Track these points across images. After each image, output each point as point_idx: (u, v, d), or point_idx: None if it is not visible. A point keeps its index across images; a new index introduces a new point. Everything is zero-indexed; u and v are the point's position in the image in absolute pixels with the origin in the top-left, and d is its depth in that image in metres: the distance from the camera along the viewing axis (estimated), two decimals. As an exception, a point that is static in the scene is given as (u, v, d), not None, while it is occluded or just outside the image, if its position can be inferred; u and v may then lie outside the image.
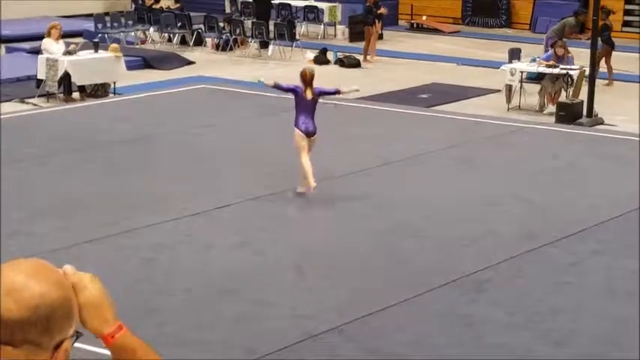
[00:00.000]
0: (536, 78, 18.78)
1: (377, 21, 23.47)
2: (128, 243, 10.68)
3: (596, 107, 17.34)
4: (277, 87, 13.06)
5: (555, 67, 18.42)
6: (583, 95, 17.63)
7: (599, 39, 18.83)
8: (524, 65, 19.06)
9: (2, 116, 16.49)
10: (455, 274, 9.94)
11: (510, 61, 19.56)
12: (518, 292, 9.59)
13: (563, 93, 18.36)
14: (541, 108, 18.39)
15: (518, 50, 20.59)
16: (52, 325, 1.85)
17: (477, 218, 11.72)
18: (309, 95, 12.66)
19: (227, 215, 11.67)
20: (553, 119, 17.35)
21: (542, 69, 18.53)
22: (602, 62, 20.12)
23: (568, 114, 17.25)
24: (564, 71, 18.34)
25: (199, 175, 13.18)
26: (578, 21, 21.72)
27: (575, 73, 18.34)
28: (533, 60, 19.10)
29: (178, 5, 26.54)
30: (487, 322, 8.92)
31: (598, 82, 18.10)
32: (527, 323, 8.90)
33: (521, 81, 18.60)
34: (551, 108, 18.05)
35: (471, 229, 11.31)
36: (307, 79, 12.71)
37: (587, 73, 17.90)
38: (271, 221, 11.52)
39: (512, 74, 18.62)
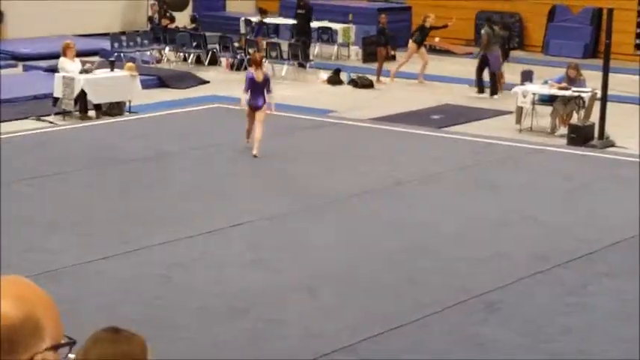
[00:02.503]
0: (548, 100, 18.89)
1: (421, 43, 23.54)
2: (143, 260, 10.79)
3: (608, 129, 17.43)
4: (245, 91, 15.39)
5: (567, 89, 18.53)
6: (594, 117, 17.73)
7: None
8: (536, 87, 19.17)
9: (19, 134, 16.68)
10: (466, 294, 10.02)
11: (522, 83, 19.68)
12: (529, 313, 9.66)
13: (575, 115, 18.46)
14: (553, 130, 18.48)
15: (531, 72, 20.72)
16: (15, 345, 1.80)
17: (489, 239, 11.81)
18: (259, 77, 15.16)
19: (241, 234, 11.78)
20: (565, 141, 17.43)
21: (555, 91, 18.64)
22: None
23: (580, 136, 17.34)
24: (576, 94, 18.44)
25: (214, 194, 13.30)
26: (490, 28, 22.09)
27: (586, 96, 18.44)
28: (545, 82, 19.22)
29: (194, 25, 26.76)
30: (498, 342, 9.00)
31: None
32: (537, 344, 8.98)
33: (533, 103, 18.71)
34: (563, 130, 18.14)
35: (482, 249, 11.40)
36: (257, 60, 15.47)
37: (598, 95, 18.00)
38: (284, 240, 11.63)
39: (524, 96, 18.73)
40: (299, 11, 25.97)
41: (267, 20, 27.39)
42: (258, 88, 15.24)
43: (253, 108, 15.19)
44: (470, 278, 10.51)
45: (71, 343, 1.90)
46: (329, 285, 10.25)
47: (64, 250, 10.97)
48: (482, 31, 22.32)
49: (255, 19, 27.71)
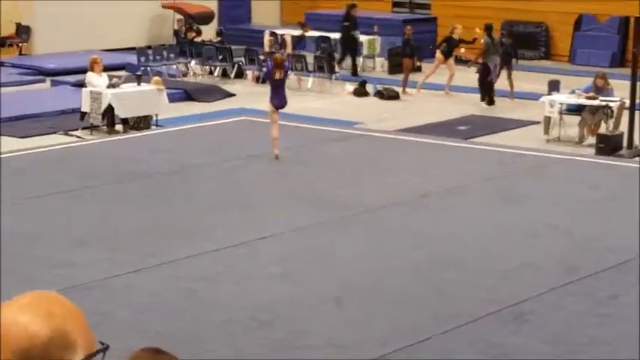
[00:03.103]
0: (576, 110, 18.79)
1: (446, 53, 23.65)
2: (170, 274, 10.80)
3: (637, 139, 17.31)
4: (268, 57, 17.05)
5: (595, 98, 18.42)
6: (623, 127, 17.62)
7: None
8: (563, 97, 19.08)
9: (48, 148, 16.76)
10: (495, 305, 9.96)
11: (549, 93, 19.60)
12: (559, 324, 9.59)
13: (603, 125, 18.34)
14: (581, 140, 18.38)
15: (558, 82, 20.62)
16: None
17: (517, 250, 11.73)
18: (277, 75, 15.61)
19: (267, 246, 11.76)
20: (593, 151, 17.33)
21: (582, 101, 18.54)
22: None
23: (608, 146, 17.23)
24: (604, 103, 18.33)
25: (240, 207, 13.29)
26: (489, 37, 22.21)
27: (615, 105, 18.33)
28: (573, 92, 19.12)
29: (220, 38, 26.83)
30: (528, 353, 8.93)
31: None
32: (568, 355, 8.91)
33: (560, 113, 18.62)
34: (591, 140, 18.03)
35: (511, 260, 11.33)
36: (278, 62, 15.75)
37: (627, 104, 17.89)
38: (311, 252, 11.60)
39: (551, 106, 18.64)
40: (345, 24, 26.08)
41: (293, 32, 27.40)
42: (279, 87, 15.76)
43: (277, 107, 15.68)
44: (499, 289, 10.45)
45: (104, 349, 1.91)
46: (356, 297, 10.21)
47: (92, 264, 10.99)
48: (482, 41, 22.35)
49: (296, 32, 27.67)
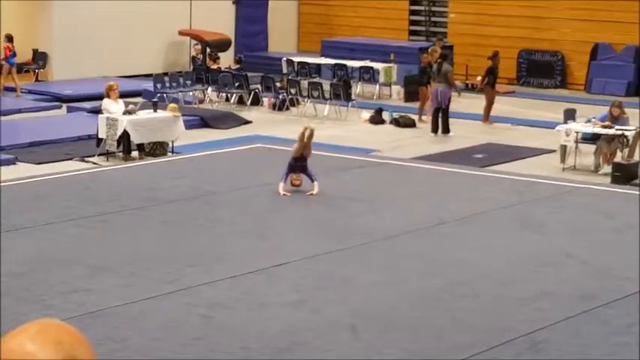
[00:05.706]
0: (592, 138, 18.80)
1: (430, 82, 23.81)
2: (186, 300, 10.81)
3: (653, 168, 17.29)
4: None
5: (611, 127, 18.43)
6: (639, 155, 17.60)
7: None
8: (579, 126, 19.09)
9: (63, 175, 16.83)
10: (511, 333, 9.94)
11: (565, 122, 19.61)
12: (575, 353, 9.56)
13: (619, 153, 18.34)
14: (596, 168, 18.38)
15: (574, 111, 20.64)
16: None
17: (533, 278, 11.71)
18: (296, 182, 15.26)
19: (284, 273, 11.77)
20: (609, 180, 17.32)
21: (598, 129, 18.55)
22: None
23: (624, 174, 17.23)
24: (620, 132, 18.34)
25: (256, 234, 13.31)
26: (438, 64, 22.66)
27: (630, 134, 18.33)
28: (589, 120, 19.14)
29: (239, 66, 26.96)
30: (543, 382, 8.90)
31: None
32: (583, 385, 8.87)
33: (576, 141, 18.62)
34: (607, 168, 18.03)
35: (526, 289, 11.30)
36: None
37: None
38: (327, 280, 11.60)
39: (567, 135, 18.65)
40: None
41: (310, 60, 27.55)
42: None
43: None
44: (515, 318, 10.42)
45: None
46: (372, 324, 10.20)
47: (108, 290, 11.00)
48: (444, 67, 22.62)
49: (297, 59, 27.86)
